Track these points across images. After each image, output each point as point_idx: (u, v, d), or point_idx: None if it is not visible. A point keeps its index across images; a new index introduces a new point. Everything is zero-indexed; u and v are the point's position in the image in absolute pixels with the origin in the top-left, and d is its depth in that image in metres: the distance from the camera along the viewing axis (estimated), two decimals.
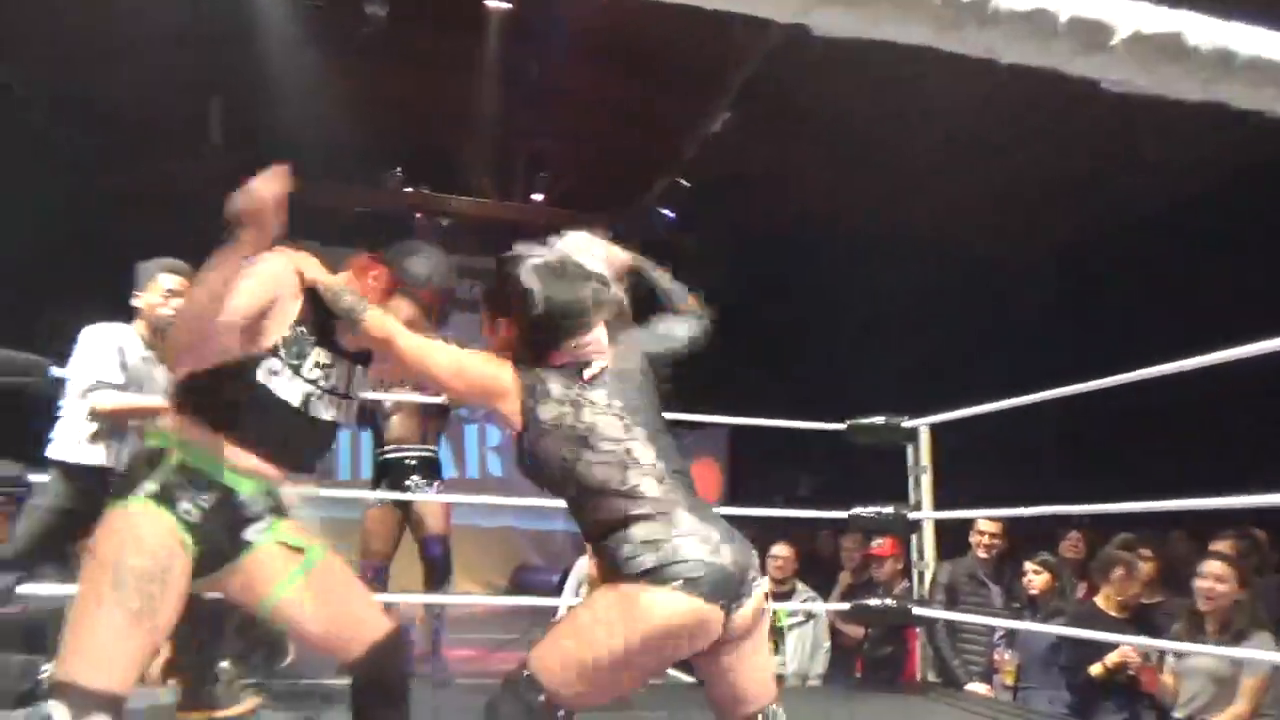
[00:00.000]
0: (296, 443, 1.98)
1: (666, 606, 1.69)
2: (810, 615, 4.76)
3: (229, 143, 8.23)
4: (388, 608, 4.05)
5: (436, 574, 4.14)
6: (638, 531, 1.75)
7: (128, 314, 3.33)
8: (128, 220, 8.10)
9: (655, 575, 1.70)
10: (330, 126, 7.83)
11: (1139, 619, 3.79)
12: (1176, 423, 6.73)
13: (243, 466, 1.89)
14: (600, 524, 1.80)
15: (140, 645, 1.73)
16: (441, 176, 9.37)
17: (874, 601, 4.30)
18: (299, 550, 1.95)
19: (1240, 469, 3.15)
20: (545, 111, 8.31)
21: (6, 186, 6.66)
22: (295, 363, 1.93)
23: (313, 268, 2.03)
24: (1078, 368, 3.45)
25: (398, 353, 1.90)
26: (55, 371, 3.35)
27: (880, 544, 4.67)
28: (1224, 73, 0.48)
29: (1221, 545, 3.93)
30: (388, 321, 1.92)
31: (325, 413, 2.01)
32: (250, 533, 1.90)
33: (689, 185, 8.75)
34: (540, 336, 1.90)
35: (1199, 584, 3.39)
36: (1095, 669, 3.59)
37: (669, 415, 2.01)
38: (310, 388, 1.97)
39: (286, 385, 1.92)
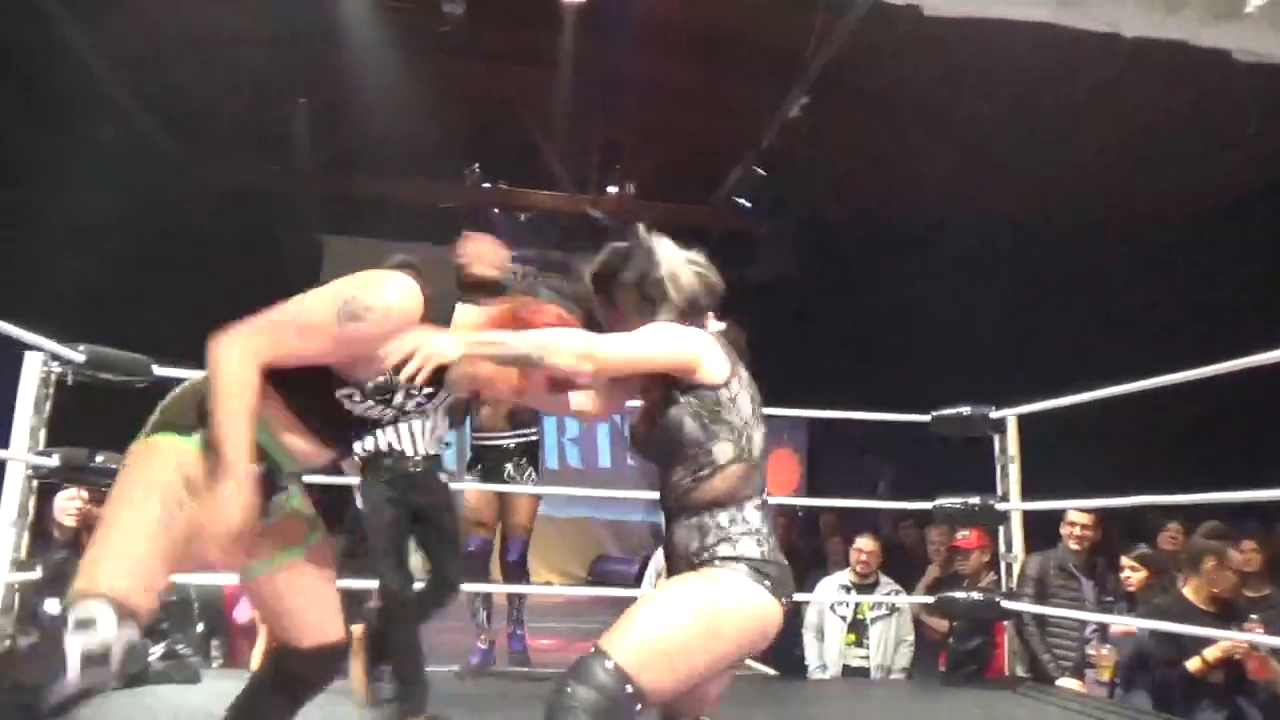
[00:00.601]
0: (349, 434, 2.01)
1: (768, 607, 1.69)
2: (894, 608, 4.69)
3: (313, 141, 8.47)
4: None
5: (511, 578, 4.22)
6: (749, 515, 1.77)
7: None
8: (216, 219, 8.43)
9: (754, 569, 1.70)
10: (410, 124, 8.01)
11: (1232, 611, 3.62)
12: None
13: (292, 446, 1.89)
14: (713, 497, 1.78)
15: (160, 554, 1.68)
16: (518, 171, 9.48)
17: (960, 594, 4.22)
18: (310, 525, 1.97)
19: None
20: (620, 103, 8.35)
21: (99, 187, 6.99)
22: (380, 397, 1.90)
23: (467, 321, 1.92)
24: (1173, 353, 3.32)
25: (601, 361, 1.76)
26: (157, 370, 3.50)
27: (966, 536, 4.58)
28: None
29: None
30: (574, 342, 1.76)
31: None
32: (276, 499, 1.89)
33: (765, 174, 8.68)
34: (690, 313, 1.88)
35: None
36: (1193, 664, 3.45)
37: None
38: (390, 412, 1.95)
39: (361, 407, 1.91)
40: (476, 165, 9.31)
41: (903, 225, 8.86)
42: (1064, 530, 4.38)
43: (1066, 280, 8.13)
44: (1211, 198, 7.63)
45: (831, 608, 4.69)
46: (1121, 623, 3.88)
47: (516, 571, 4.23)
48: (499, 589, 4.25)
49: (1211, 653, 3.40)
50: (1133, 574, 4.02)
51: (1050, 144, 7.44)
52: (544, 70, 7.76)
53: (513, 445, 4.25)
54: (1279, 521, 4.87)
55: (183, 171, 8.35)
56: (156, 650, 3.73)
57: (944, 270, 8.30)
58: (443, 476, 3.18)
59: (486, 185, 9.47)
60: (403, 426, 3.01)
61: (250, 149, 8.55)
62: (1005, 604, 4.07)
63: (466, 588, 4.15)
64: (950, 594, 4.27)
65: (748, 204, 9.35)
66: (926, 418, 4.31)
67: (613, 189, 9.52)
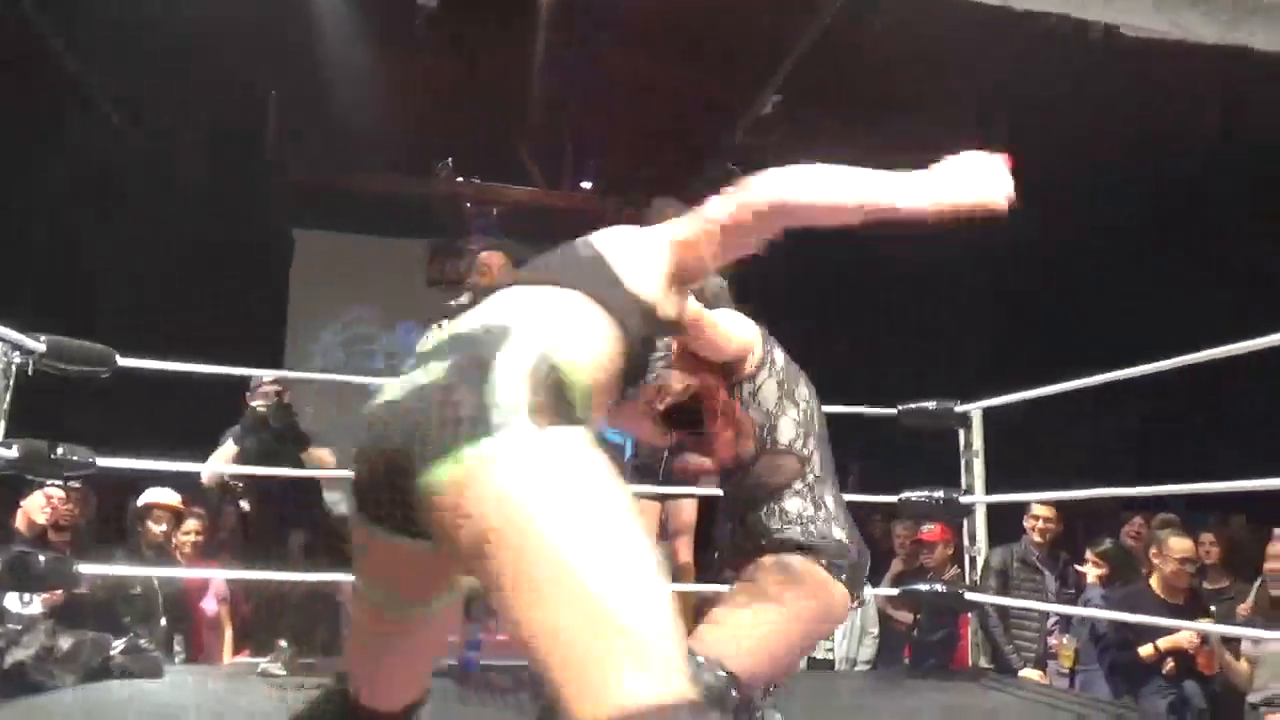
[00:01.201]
0: None
1: (841, 595, 1.70)
2: (861, 600, 4.73)
3: (283, 135, 8.41)
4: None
5: None
6: (789, 505, 1.77)
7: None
8: (184, 212, 8.34)
9: (818, 554, 1.71)
10: (382, 118, 7.97)
11: (1194, 603, 3.70)
12: (1242, 405, 6.55)
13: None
14: (767, 486, 1.79)
15: None
16: (492, 166, 9.45)
17: (924, 586, 4.27)
18: None
19: None
20: (594, 98, 8.34)
21: (66, 176, 6.90)
22: None
23: None
24: (1137, 347, 3.38)
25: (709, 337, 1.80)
26: (120, 361, 3.46)
27: (930, 529, 4.63)
28: (1245, 14, 0.48)
29: None
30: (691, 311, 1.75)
31: None
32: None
33: (738, 169, 8.70)
34: (720, 301, 1.92)
35: (1268, 566, 3.31)
36: (1145, 650, 3.53)
37: None
38: None
39: None
40: (449, 160, 9.27)
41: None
42: (1027, 523, 4.44)
43: (1033, 275, 8.22)
44: (1184, 191, 7.71)
45: None
46: (1085, 614, 3.94)
47: None
48: None
49: (1164, 642, 3.47)
50: (1094, 569, 4.09)
51: (1026, 142, 7.49)
52: (517, 64, 7.75)
53: None
54: (1237, 514, 4.97)
55: (150, 164, 8.24)
56: (119, 644, 3.70)
57: (912, 266, 8.37)
58: None
59: (459, 180, 9.43)
60: None
61: (220, 143, 8.47)
62: (969, 596, 4.12)
63: None
64: (915, 586, 4.32)
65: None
66: (893, 411, 4.36)
67: (586, 184, 9.52)
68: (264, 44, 7.51)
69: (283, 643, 3.51)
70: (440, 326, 2.16)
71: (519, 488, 1.03)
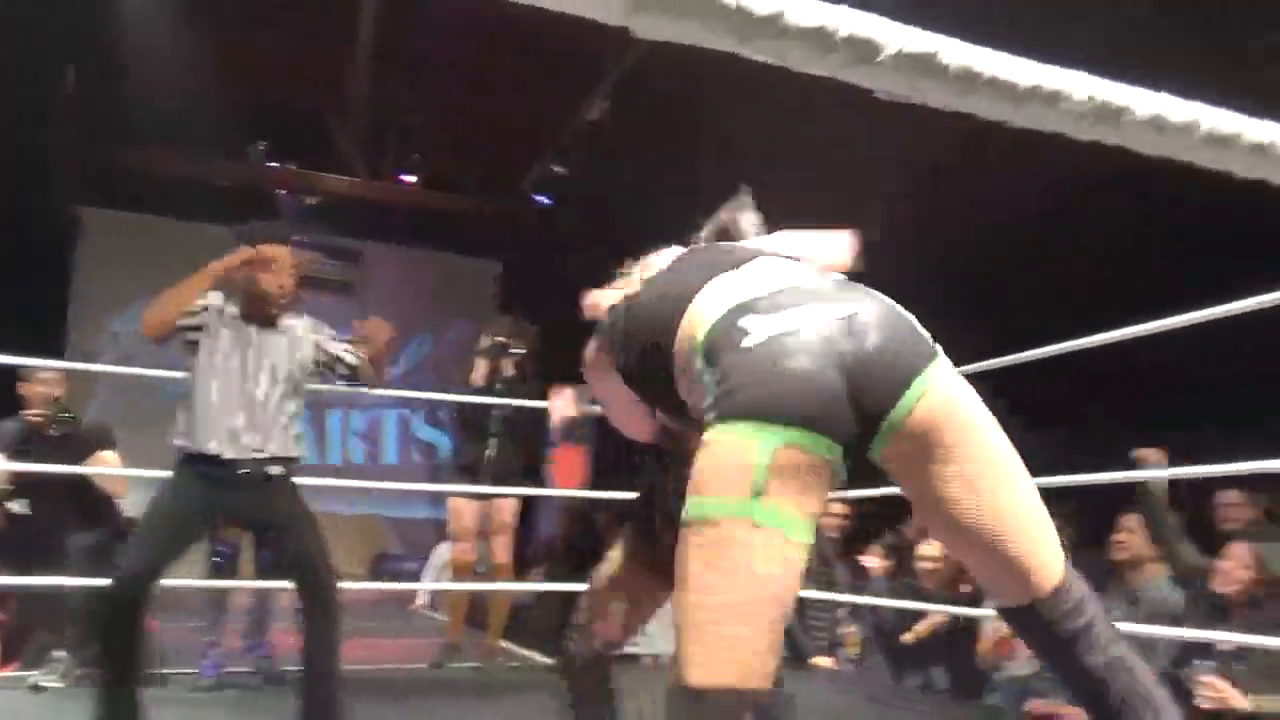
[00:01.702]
0: None
1: None
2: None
3: (87, 110, 7.74)
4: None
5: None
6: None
7: None
8: None
9: None
10: (193, 96, 7.49)
11: (958, 592, 4.05)
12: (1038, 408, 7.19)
13: None
14: None
15: None
16: (309, 153, 9.08)
17: None
18: None
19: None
20: (420, 90, 8.17)
21: None
22: None
23: None
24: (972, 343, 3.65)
25: None
26: None
27: None
28: (970, 88, 0.58)
29: None
30: None
31: None
32: None
33: (564, 172, 8.77)
34: None
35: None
36: (907, 636, 3.86)
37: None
38: None
39: None
40: (262, 143, 8.83)
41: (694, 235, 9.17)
42: (822, 519, 4.74)
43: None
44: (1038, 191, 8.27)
45: None
46: (873, 604, 4.24)
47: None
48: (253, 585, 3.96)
49: (920, 627, 3.81)
50: (878, 561, 4.42)
51: (846, 171, 7.87)
52: (341, 49, 7.48)
53: None
54: None
55: None
56: None
57: None
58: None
59: (273, 165, 9.00)
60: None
61: (5, 115, 7.69)
62: None
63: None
64: None
65: (547, 201, 9.42)
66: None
67: (409, 177, 9.31)
68: (66, 14, 6.91)
69: (58, 654, 3.26)
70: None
71: (967, 395, 1.31)
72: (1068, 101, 0.61)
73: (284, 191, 9.39)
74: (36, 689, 3.11)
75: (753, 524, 1.13)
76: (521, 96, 8.08)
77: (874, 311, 1.26)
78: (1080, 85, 0.62)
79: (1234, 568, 2.73)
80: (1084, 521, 4.44)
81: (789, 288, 1.29)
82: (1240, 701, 2.49)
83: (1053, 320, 3.34)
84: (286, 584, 4.03)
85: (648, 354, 1.44)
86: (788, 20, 0.56)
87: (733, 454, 1.15)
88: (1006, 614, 1.38)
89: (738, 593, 1.13)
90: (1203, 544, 4.27)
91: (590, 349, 1.75)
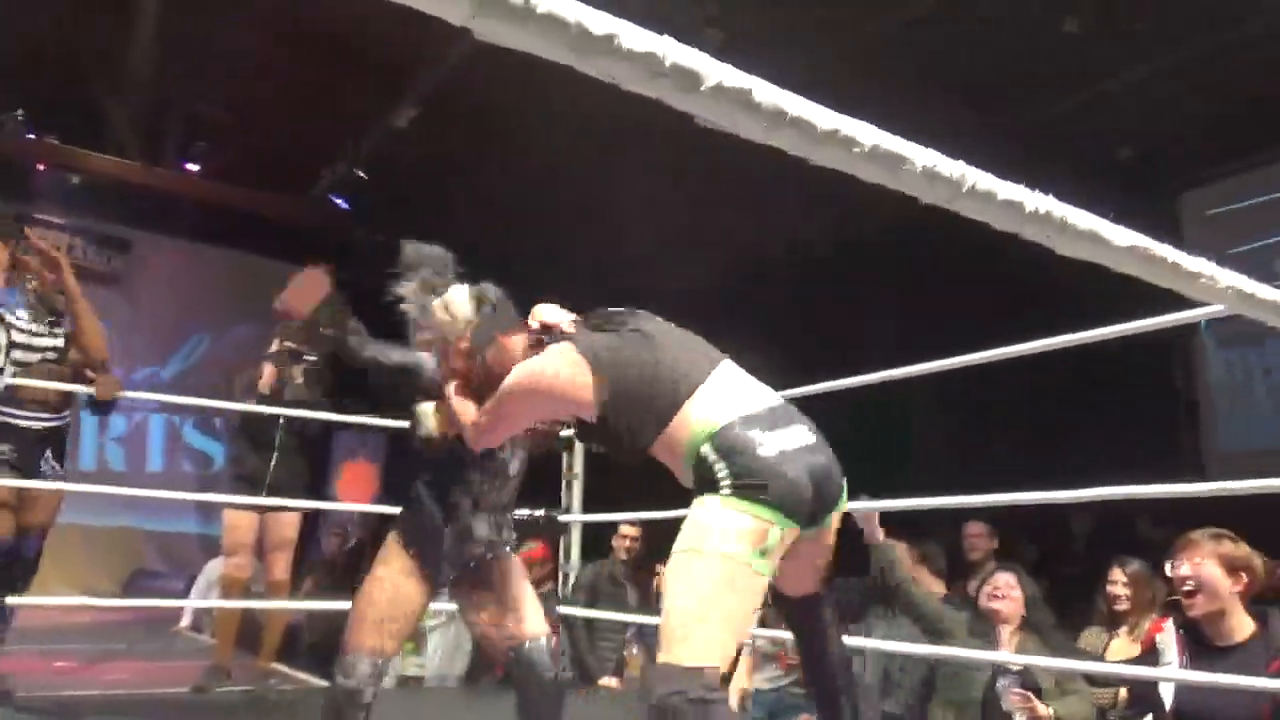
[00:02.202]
0: None
1: None
2: (452, 616, 4.79)
3: None
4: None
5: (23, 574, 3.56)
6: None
7: None
8: None
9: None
10: None
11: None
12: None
13: None
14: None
15: None
16: (76, 127, 8.26)
17: None
18: None
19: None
20: (211, 75, 7.66)
21: None
22: None
23: None
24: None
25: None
26: None
27: (533, 547, 4.83)
28: (780, 124, 0.65)
29: None
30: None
31: None
32: None
33: (365, 177, 8.49)
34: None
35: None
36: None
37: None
38: None
39: None
40: (20, 111, 7.95)
41: (502, 252, 9.11)
42: (615, 543, 4.82)
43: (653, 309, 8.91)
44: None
45: None
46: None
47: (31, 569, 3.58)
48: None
49: None
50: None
51: (661, 194, 8.08)
52: (120, 20, 6.89)
53: (40, 429, 3.55)
54: None
55: None
56: None
57: (534, 299, 8.67)
58: None
59: (31, 137, 8.12)
60: None
61: None
62: (561, 609, 4.37)
63: None
64: None
65: (344, 205, 9.06)
66: None
67: (192, 166, 8.68)
68: None
69: None
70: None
71: None
72: (857, 146, 0.69)
73: (42, 167, 8.49)
74: None
75: (753, 570, 1.64)
76: (327, 96, 7.75)
77: (818, 434, 1.84)
78: (867, 134, 0.69)
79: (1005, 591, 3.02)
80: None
81: (775, 406, 1.84)
82: (1044, 710, 2.75)
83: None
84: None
85: (634, 402, 1.85)
86: (620, 43, 0.61)
87: (753, 522, 1.65)
88: (797, 601, 1.98)
89: (738, 608, 1.64)
90: (954, 568, 4.73)
91: (570, 355, 1.94)
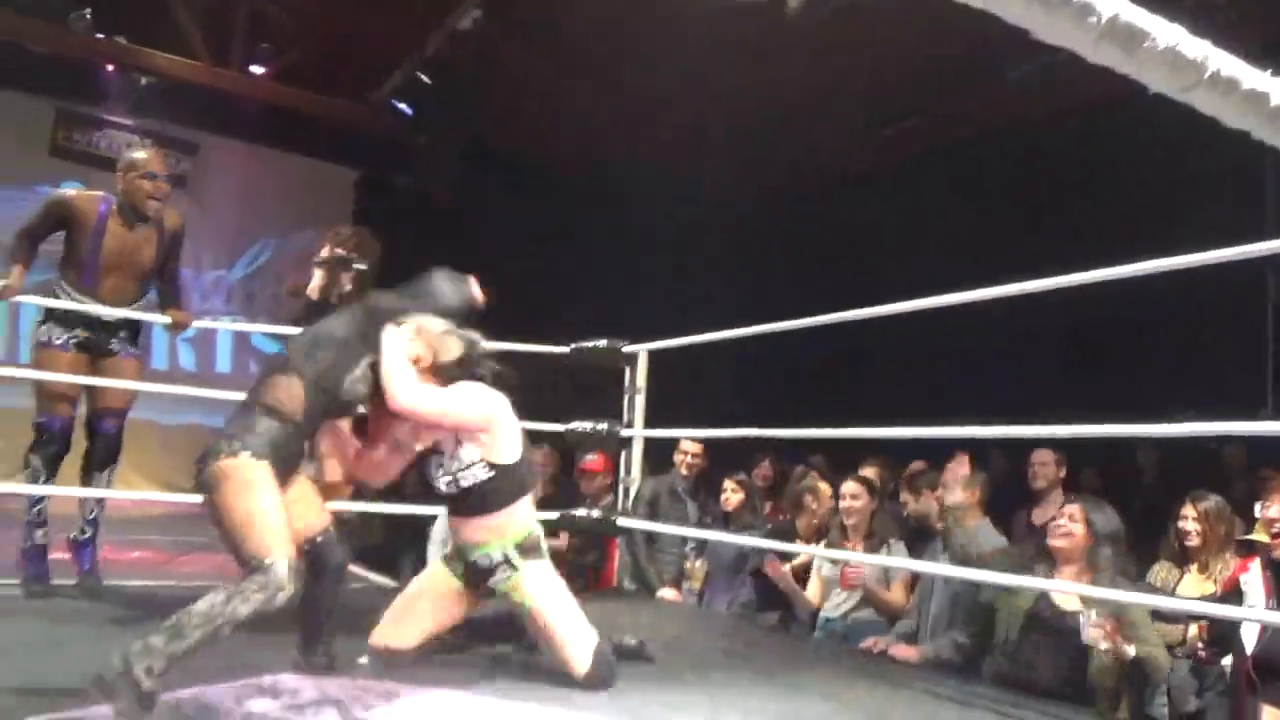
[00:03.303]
0: None
1: None
2: None
3: None
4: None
5: (106, 454, 3.67)
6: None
7: None
8: None
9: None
10: None
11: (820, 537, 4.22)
12: (864, 361, 7.55)
13: None
14: None
15: None
16: (144, 27, 8.22)
17: (581, 512, 4.48)
18: None
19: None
20: None
21: None
22: None
23: None
24: (788, 306, 3.77)
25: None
26: None
27: (593, 460, 4.85)
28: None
29: (865, 470, 4.47)
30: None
31: None
32: None
33: (429, 81, 8.36)
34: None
35: (842, 504, 3.86)
36: (780, 568, 4.02)
37: None
38: None
39: None
40: (87, 10, 7.92)
41: (563, 155, 9.00)
42: (676, 458, 4.81)
43: (714, 227, 8.77)
44: (846, 162, 8.54)
45: None
46: (722, 539, 4.36)
47: (113, 446, 3.67)
48: (101, 494, 3.66)
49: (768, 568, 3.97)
50: (732, 495, 4.53)
51: (710, 98, 7.88)
52: None
53: (118, 319, 3.66)
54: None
55: None
56: None
57: (596, 210, 8.61)
58: None
59: (100, 36, 8.10)
60: None
61: None
62: (620, 522, 4.40)
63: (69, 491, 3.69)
64: (572, 512, 4.51)
65: (408, 110, 8.95)
66: (566, 349, 4.49)
67: (257, 68, 8.62)
68: None
69: None
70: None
71: None
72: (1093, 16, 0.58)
73: (111, 68, 8.50)
74: None
75: None
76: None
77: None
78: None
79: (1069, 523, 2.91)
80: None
81: None
82: (1124, 643, 2.66)
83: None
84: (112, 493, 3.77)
85: None
86: None
87: None
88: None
89: None
90: (1021, 497, 4.64)
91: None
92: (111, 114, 8.76)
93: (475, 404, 2.55)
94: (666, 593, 4.44)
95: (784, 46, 6.77)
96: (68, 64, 8.17)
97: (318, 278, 3.94)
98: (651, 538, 4.55)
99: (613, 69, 7.86)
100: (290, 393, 2.34)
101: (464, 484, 2.56)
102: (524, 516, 2.59)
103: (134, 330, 3.77)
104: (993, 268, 3.13)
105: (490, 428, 2.55)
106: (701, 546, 4.51)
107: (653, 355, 4.50)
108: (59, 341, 3.57)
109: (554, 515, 4.67)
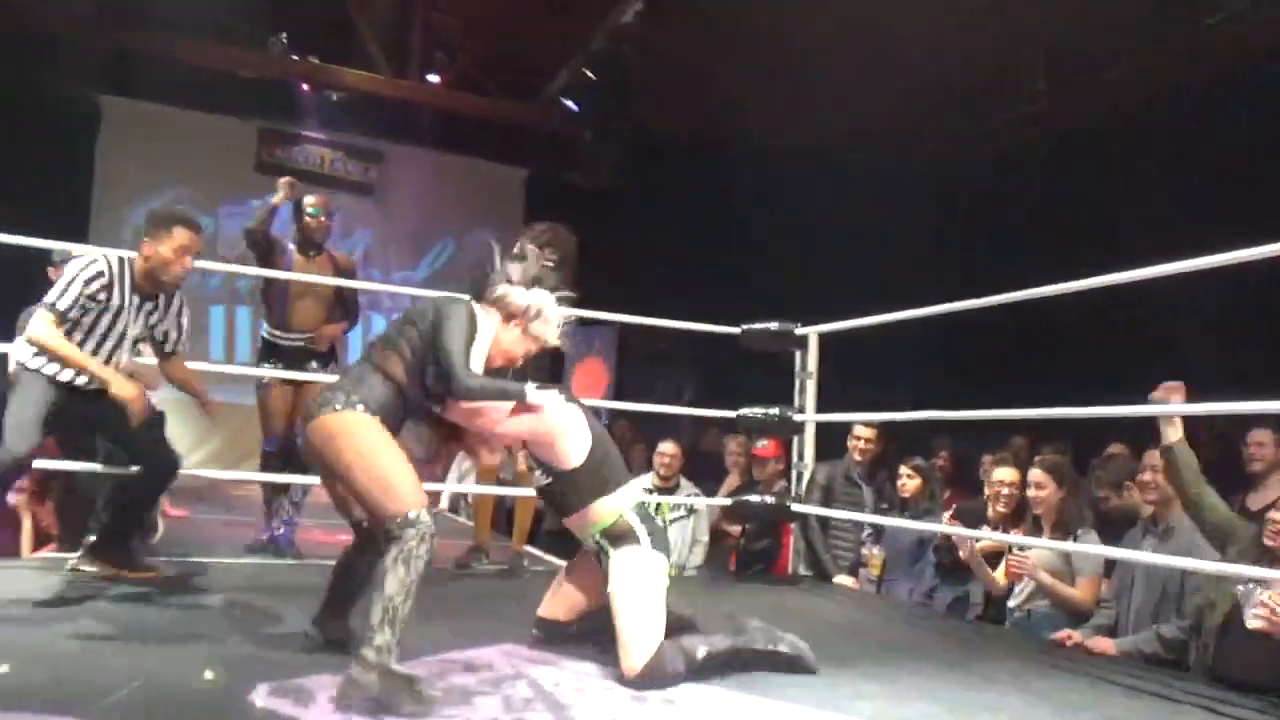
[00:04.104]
0: None
1: None
2: (691, 510, 4.91)
3: None
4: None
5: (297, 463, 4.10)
6: None
7: None
8: None
9: None
10: None
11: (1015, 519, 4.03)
12: (1049, 341, 7.16)
13: None
14: None
15: None
16: (332, 46, 8.83)
17: (754, 498, 4.48)
18: None
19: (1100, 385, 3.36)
20: None
21: None
22: None
23: None
24: (962, 286, 3.63)
25: None
26: None
27: (765, 445, 4.83)
28: None
29: (1053, 455, 4.22)
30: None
31: None
32: None
33: (594, 78, 8.54)
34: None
35: (1029, 493, 3.66)
36: (963, 553, 3.88)
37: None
38: None
39: None
40: (284, 34, 8.58)
41: (732, 141, 8.99)
42: (850, 443, 4.72)
43: (883, 206, 8.53)
44: (1024, 133, 8.16)
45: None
46: (898, 525, 4.25)
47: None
48: (285, 479, 4.09)
49: (965, 549, 3.81)
50: (909, 481, 4.39)
51: (877, 77, 7.69)
52: None
53: (301, 346, 4.30)
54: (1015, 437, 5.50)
55: None
56: None
57: (761, 191, 8.54)
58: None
59: (294, 58, 8.76)
60: None
61: None
62: (795, 507, 4.36)
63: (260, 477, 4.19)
64: (745, 498, 4.52)
65: (574, 107, 9.18)
66: (736, 330, 4.48)
67: (433, 76, 9.08)
68: None
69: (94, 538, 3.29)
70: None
71: None
72: None
73: (305, 87, 9.17)
74: (74, 571, 3.15)
75: None
76: None
77: None
78: None
79: None
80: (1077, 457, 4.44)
81: None
82: None
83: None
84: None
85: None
86: None
87: None
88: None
89: None
90: (1228, 482, 4.26)
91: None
92: (306, 129, 9.46)
93: (527, 421, 2.47)
94: (844, 580, 4.37)
95: (956, 8, 6.50)
96: (267, 86, 8.86)
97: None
98: (826, 524, 4.49)
99: (771, 50, 7.78)
100: (397, 360, 2.35)
101: (539, 483, 2.61)
102: (610, 505, 2.51)
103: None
104: (1198, 233, 2.90)
105: (552, 439, 2.50)
106: (879, 533, 4.40)
107: (823, 338, 4.44)
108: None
109: (726, 501, 4.71)
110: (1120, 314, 5.97)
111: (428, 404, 2.46)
